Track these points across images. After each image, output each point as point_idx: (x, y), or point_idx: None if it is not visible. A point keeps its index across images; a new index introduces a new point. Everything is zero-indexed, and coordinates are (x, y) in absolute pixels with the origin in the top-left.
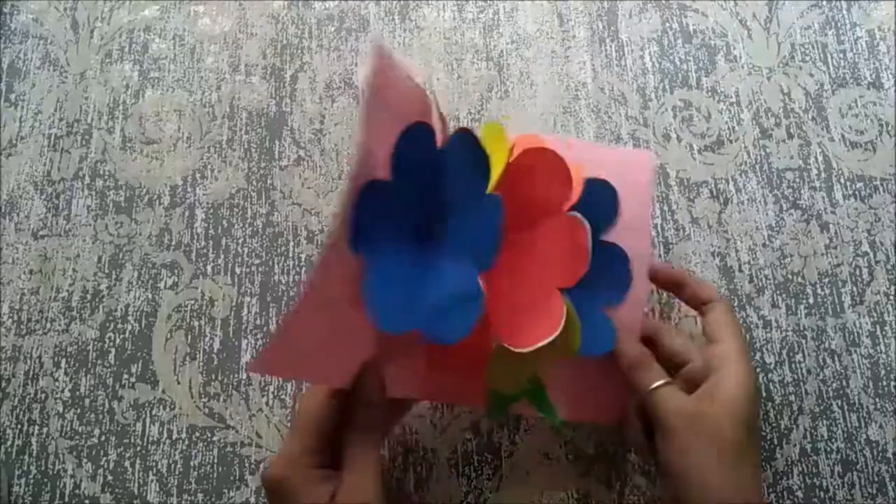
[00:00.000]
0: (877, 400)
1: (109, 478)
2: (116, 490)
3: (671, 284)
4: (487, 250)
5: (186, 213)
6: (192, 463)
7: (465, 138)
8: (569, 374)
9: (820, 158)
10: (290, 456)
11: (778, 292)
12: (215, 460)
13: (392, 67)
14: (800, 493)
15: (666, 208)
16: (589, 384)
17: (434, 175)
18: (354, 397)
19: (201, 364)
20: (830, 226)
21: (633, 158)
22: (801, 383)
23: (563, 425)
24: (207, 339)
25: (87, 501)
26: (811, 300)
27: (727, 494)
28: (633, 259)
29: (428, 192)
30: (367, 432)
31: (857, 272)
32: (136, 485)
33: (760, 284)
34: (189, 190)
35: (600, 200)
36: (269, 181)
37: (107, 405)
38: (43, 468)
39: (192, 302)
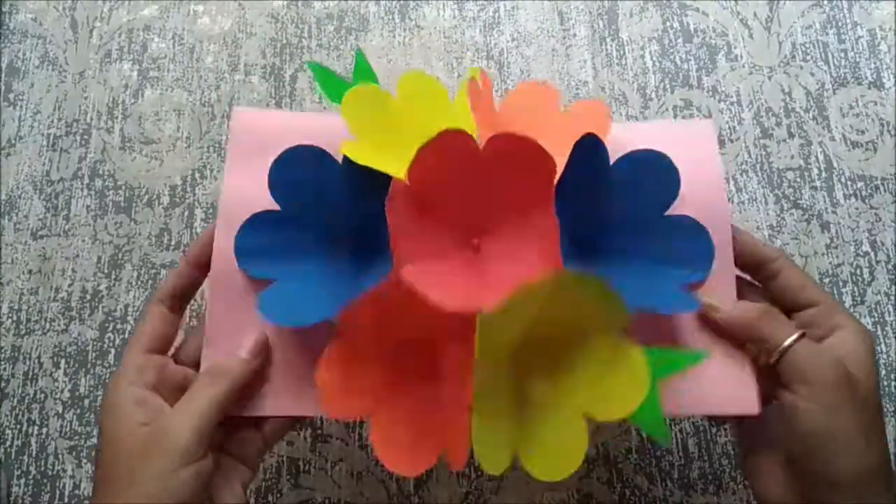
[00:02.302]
0: None
1: None
2: None
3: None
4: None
5: (186, 213)
6: None
7: (347, 161)
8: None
9: (821, 158)
10: (117, 374)
11: None
12: None
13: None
14: None
15: None
16: (720, 377)
17: (326, 193)
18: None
19: None
20: (831, 225)
21: (693, 130)
22: None
23: (666, 438)
24: None
25: (86, 502)
26: None
27: (870, 461)
28: (713, 232)
29: (331, 211)
30: (217, 372)
31: (858, 272)
32: None
33: None
34: (188, 190)
35: (654, 172)
36: None
37: None
38: (42, 468)
39: (192, 302)
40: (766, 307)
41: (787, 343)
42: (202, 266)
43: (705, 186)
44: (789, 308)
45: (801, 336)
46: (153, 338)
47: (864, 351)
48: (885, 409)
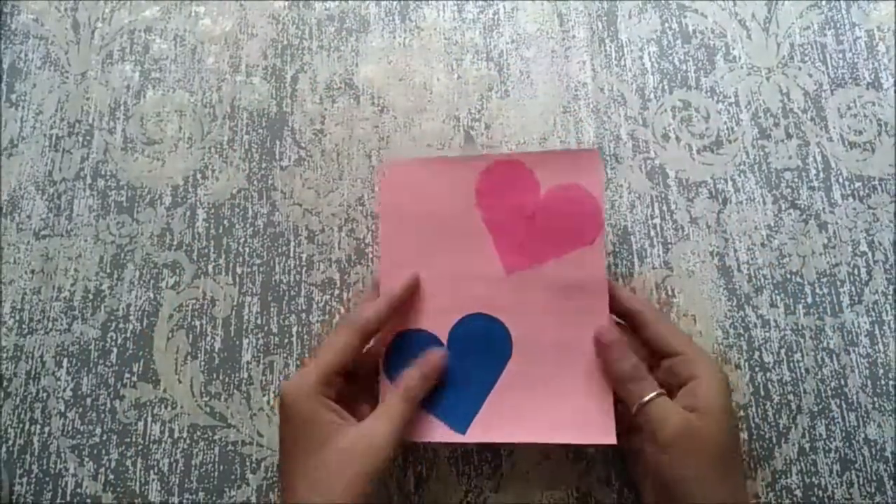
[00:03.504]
0: (875, 399)
1: (111, 477)
2: (118, 489)
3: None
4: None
5: (188, 213)
6: (193, 462)
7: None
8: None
9: (818, 158)
10: (304, 379)
11: (776, 292)
12: (216, 459)
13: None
14: (798, 493)
15: (665, 208)
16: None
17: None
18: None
19: (202, 363)
20: (829, 225)
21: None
22: (800, 382)
23: None
24: (209, 338)
25: (88, 500)
26: (809, 300)
27: (719, 498)
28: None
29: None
30: (409, 392)
31: (856, 272)
32: (138, 484)
33: (759, 284)
34: (190, 190)
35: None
36: (269, 181)
37: (108, 404)
38: (45, 467)
39: (194, 301)
40: (636, 367)
41: (644, 399)
42: (396, 310)
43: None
44: (658, 355)
45: (658, 395)
46: (342, 364)
47: (714, 399)
48: (883, 409)
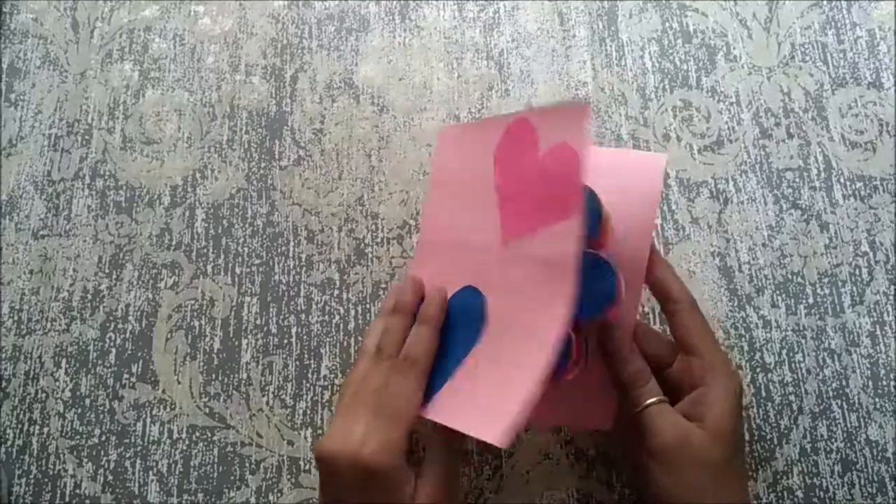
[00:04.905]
0: (876, 400)
1: (110, 478)
2: (117, 490)
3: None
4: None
5: (187, 213)
6: (192, 463)
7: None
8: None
9: (820, 158)
10: (390, 443)
11: (778, 292)
12: (216, 460)
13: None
14: (800, 493)
15: (666, 208)
16: (580, 391)
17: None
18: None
19: (202, 364)
20: (830, 226)
21: (643, 164)
22: (801, 383)
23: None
24: (208, 338)
25: (87, 501)
26: (811, 300)
27: None
28: (629, 264)
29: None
30: (448, 440)
31: (857, 272)
32: (137, 485)
33: (760, 284)
34: (189, 190)
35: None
36: (269, 181)
37: (107, 405)
38: (43, 468)
39: (193, 302)
40: (642, 370)
41: (645, 403)
42: (414, 314)
43: (635, 226)
44: (679, 347)
45: (658, 402)
46: (414, 408)
47: (720, 411)
48: (884, 410)
